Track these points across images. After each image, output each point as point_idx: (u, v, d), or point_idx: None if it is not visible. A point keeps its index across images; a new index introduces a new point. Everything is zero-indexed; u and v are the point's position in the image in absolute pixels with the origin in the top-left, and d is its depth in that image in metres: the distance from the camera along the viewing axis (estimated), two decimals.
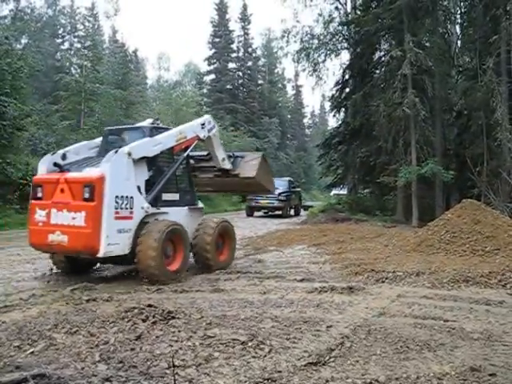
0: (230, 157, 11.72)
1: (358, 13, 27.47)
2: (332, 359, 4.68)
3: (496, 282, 8.30)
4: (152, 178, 9.03)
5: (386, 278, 8.74)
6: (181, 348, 4.84)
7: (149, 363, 4.44)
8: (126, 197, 8.23)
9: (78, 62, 40.99)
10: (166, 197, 9.38)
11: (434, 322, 5.97)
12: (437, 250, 11.25)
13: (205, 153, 11.73)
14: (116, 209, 8.03)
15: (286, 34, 31.12)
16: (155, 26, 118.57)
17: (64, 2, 57.46)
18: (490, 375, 4.29)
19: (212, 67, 57.26)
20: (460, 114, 24.56)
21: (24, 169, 21.94)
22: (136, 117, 30.44)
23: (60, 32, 51.59)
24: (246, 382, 4.09)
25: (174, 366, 4.32)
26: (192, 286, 8.26)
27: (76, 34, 51.92)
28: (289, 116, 72.06)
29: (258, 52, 64.97)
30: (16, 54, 23.92)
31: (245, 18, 58.74)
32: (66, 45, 52.11)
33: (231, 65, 58.18)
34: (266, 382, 4.10)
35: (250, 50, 60.12)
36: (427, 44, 22.81)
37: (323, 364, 4.56)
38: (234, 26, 58.28)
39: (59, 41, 51.19)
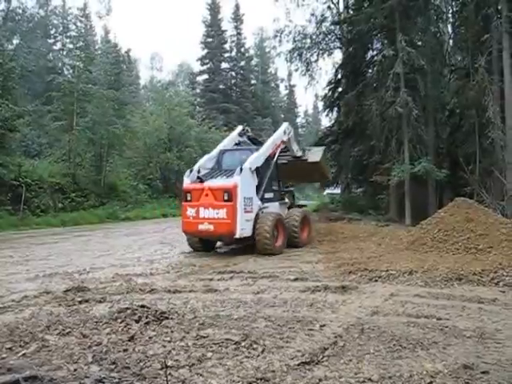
0: (302, 150, 16.18)
1: (351, 12, 27.55)
2: (325, 358, 4.68)
3: (489, 280, 8.32)
4: (259, 182, 12.64)
5: (379, 277, 8.74)
6: (174, 348, 4.83)
7: (142, 364, 4.42)
8: (249, 198, 12.14)
9: (70, 62, 40.91)
10: (266, 195, 13.03)
11: (427, 320, 5.98)
12: (430, 248, 11.28)
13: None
14: (245, 206, 11.93)
15: (279, 34, 31.19)
16: (148, 26, 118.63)
17: (56, 2, 57.50)
18: (483, 373, 4.31)
19: (205, 67, 57.25)
20: (452, 113, 24.66)
21: (16, 170, 21.84)
22: (129, 117, 30.39)
23: (52, 32, 51.42)
24: (239, 381, 4.08)
25: (166, 366, 4.30)
26: (185, 286, 8.24)
27: (68, 34, 51.80)
28: (282, 115, 72.07)
29: (251, 52, 65.11)
30: (7, 55, 23.85)
31: (237, 18, 58.77)
32: (58, 45, 51.97)
33: (224, 65, 58.22)
34: (259, 381, 4.09)
35: (242, 49, 60.16)
36: (419, 43, 22.90)
37: (316, 363, 4.56)
38: (227, 25, 58.37)
39: (51, 41, 51.00)
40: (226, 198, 11.78)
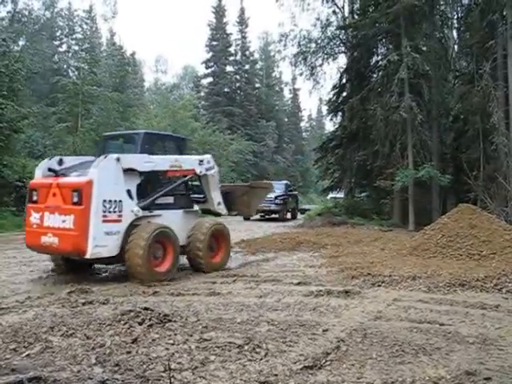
0: (223, 193, 11.60)
1: (356, 17, 27.53)
2: (328, 363, 4.69)
3: (492, 286, 8.31)
4: (144, 181, 9.51)
5: (383, 282, 8.75)
6: (177, 351, 4.84)
7: (145, 366, 4.44)
8: (114, 201, 8.66)
9: (76, 64, 41.00)
10: (160, 200, 9.84)
11: (429, 325, 5.98)
12: (433, 253, 11.27)
13: None
14: (104, 212, 8.47)
15: (284, 38, 31.20)
16: (153, 28, 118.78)
17: (62, 4, 57.63)
18: (486, 379, 4.30)
19: (209, 70, 57.25)
20: (457, 119, 24.63)
21: (20, 171, 21.90)
22: (133, 120, 30.47)
23: (58, 34, 51.53)
24: None
25: (170, 369, 4.32)
26: (188, 289, 8.26)
27: (74, 36, 51.88)
28: (286, 119, 72.05)
29: (256, 55, 65.06)
30: (13, 56, 23.90)
31: (242, 22, 58.79)
32: (64, 47, 52.06)
33: (229, 68, 58.21)
34: None
35: (247, 53, 60.15)
36: (424, 48, 22.88)
37: (319, 368, 4.56)
38: (232, 29, 58.36)
39: (57, 43, 51.11)
40: (75, 199, 8.34)
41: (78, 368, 4.36)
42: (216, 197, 11.14)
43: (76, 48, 49.20)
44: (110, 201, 8.56)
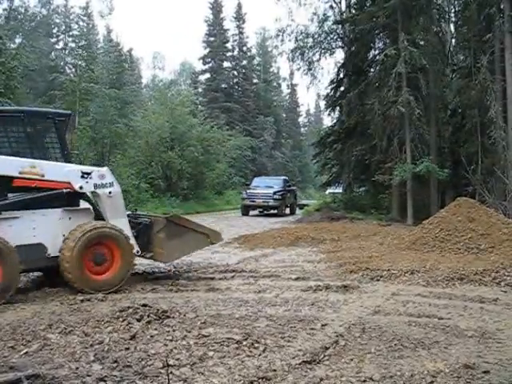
0: (138, 224, 8.94)
1: (353, 11, 27.43)
2: (326, 358, 4.69)
3: (490, 280, 8.33)
4: None
5: (381, 277, 8.76)
6: (175, 347, 4.85)
7: (143, 363, 4.44)
8: None
9: (73, 61, 40.95)
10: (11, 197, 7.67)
11: (428, 319, 5.99)
12: (431, 248, 11.27)
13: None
14: None
15: (281, 33, 31.07)
16: (150, 25, 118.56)
17: (58, 1, 57.42)
18: (484, 372, 4.32)
19: (207, 66, 57.14)
20: (454, 113, 24.60)
21: None
22: (131, 116, 30.40)
23: (54, 31, 51.39)
24: (240, 380, 4.09)
25: (168, 365, 4.32)
26: (187, 285, 8.27)
27: (70, 33, 51.74)
28: (284, 115, 71.99)
29: (253, 51, 64.96)
30: (10, 54, 23.79)
31: (239, 17, 58.66)
32: (61, 44, 51.92)
33: (226, 64, 58.09)
34: (260, 380, 4.10)
35: (244, 48, 60.04)
36: (421, 42, 22.82)
37: (318, 362, 4.57)
38: (229, 24, 58.20)
39: (53, 40, 50.98)
40: None
41: (76, 365, 4.37)
42: (118, 225, 8.18)
43: (73, 45, 49.13)
44: None
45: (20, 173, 7.44)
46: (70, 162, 8.47)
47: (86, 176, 8.06)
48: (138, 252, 8.38)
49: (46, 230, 7.66)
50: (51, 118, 8.34)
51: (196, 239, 8.97)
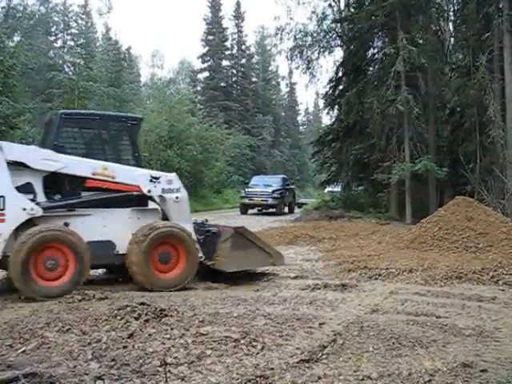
0: (206, 232, 9.04)
1: (352, 10, 27.43)
2: (324, 356, 4.69)
3: (488, 279, 8.34)
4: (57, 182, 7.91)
5: (379, 275, 8.77)
6: (173, 346, 4.84)
7: (141, 361, 4.43)
8: None
9: (71, 59, 40.85)
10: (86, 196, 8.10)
11: (426, 318, 5.99)
12: (430, 246, 11.27)
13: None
14: None
15: (280, 32, 31.00)
16: (148, 23, 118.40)
17: None
18: (482, 371, 4.32)
19: (206, 65, 57.09)
20: (453, 111, 24.61)
21: None
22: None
23: (53, 30, 51.28)
24: (238, 379, 4.09)
25: (166, 363, 4.32)
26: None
27: (69, 31, 51.67)
28: (283, 113, 71.99)
29: (252, 49, 64.88)
30: (8, 52, 23.79)
31: (238, 16, 58.62)
32: (59, 42, 51.81)
33: (225, 62, 58.04)
34: (258, 379, 4.10)
35: (243, 47, 59.99)
36: (420, 41, 22.81)
37: (316, 361, 4.57)
38: (228, 23, 58.16)
39: (52, 38, 50.87)
40: None
41: (74, 363, 4.36)
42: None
43: (71, 43, 49.03)
44: None
45: (93, 174, 7.84)
46: (140, 165, 8.72)
47: (154, 180, 8.32)
48: (201, 258, 8.44)
49: (116, 228, 7.95)
50: (124, 121, 8.82)
51: (258, 256, 8.91)
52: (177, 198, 8.42)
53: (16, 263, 6.94)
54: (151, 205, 8.74)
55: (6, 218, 7.20)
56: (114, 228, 7.95)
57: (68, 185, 7.90)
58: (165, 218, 8.48)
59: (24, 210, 7.31)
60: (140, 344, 4.87)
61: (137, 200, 8.34)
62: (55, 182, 7.80)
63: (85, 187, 7.96)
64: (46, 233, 7.15)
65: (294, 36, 30.13)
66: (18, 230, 7.28)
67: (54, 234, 7.23)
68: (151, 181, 8.29)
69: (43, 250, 7.16)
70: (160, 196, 8.47)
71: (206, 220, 10.08)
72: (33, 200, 7.49)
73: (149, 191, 8.25)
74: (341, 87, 28.15)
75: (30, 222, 7.35)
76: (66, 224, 7.57)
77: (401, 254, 10.81)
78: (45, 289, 7.07)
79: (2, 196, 7.19)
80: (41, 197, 7.61)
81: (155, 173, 8.68)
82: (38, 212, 7.41)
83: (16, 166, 7.44)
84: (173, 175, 8.67)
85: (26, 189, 7.48)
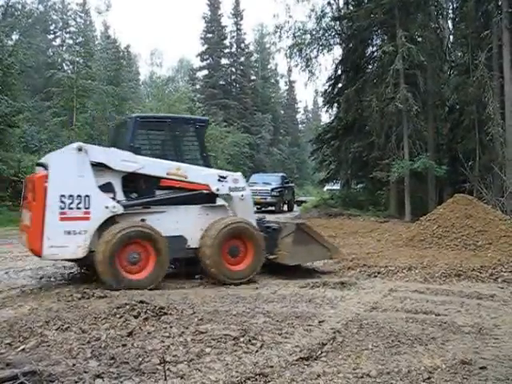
0: (266, 228, 9.47)
1: (351, 8, 27.42)
2: (324, 354, 4.69)
3: (487, 276, 8.35)
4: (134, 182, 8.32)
5: (379, 273, 8.78)
6: (172, 344, 4.84)
7: (140, 359, 4.43)
8: (78, 196, 7.56)
9: (70, 58, 40.74)
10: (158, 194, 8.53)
11: (425, 316, 6.00)
12: (429, 244, 11.29)
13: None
14: (62, 209, 7.44)
15: (279, 30, 30.94)
16: (147, 21, 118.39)
17: None
18: (481, 368, 4.32)
19: (205, 63, 57.11)
20: (452, 109, 24.63)
21: (16, 166, 21.83)
22: (128, 113, 30.31)
23: (51, 28, 51.37)
24: (237, 377, 4.09)
25: (165, 361, 4.32)
26: (184, 281, 8.25)
27: (68, 30, 51.71)
28: (282, 111, 72.04)
29: (251, 48, 64.90)
30: (7, 51, 23.76)
31: (237, 14, 58.63)
32: (58, 41, 51.95)
33: (224, 60, 58.07)
34: (257, 377, 4.10)
35: (242, 45, 60.01)
36: (419, 39, 22.81)
37: (315, 359, 4.57)
38: (227, 21, 58.17)
39: (51, 37, 50.98)
40: (32, 195, 7.66)
41: (73, 362, 4.36)
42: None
43: (70, 42, 49.11)
44: (72, 196, 7.49)
45: (167, 174, 8.33)
46: (208, 164, 9.10)
47: (222, 180, 8.79)
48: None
49: (187, 223, 8.42)
50: (193, 123, 9.28)
51: (318, 250, 9.29)
52: (242, 196, 8.90)
53: (104, 258, 7.35)
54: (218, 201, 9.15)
55: (91, 216, 7.61)
56: (186, 224, 8.40)
57: (144, 184, 8.36)
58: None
59: (107, 208, 7.73)
60: (139, 342, 4.87)
61: (206, 198, 8.74)
62: (132, 182, 8.24)
63: (159, 186, 8.42)
64: (131, 229, 7.62)
65: (293, 34, 30.09)
66: (102, 227, 7.66)
67: (138, 231, 7.70)
68: (219, 180, 8.75)
69: (127, 246, 7.62)
70: (227, 194, 8.92)
71: (264, 217, 10.62)
72: (113, 199, 7.91)
73: (217, 190, 8.72)
74: (340, 85, 28.16)
75: (111, 220, 7.78)
76: (143, 220, 8.06)
77: (400, 252, 10.81)
78: (130, 281, 7.50)
79: (87, 195, 7.59)
80: (120, 195, 8.02)
81: (223, 172, 9.14)
82: (119, 210, 7.83)
83: (98, 167, 7.82)
84: (238, 174, 9.15)
85: (106, 188, 7.90)
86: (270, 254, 8.91)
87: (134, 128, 8.46)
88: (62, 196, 7.41)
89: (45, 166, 7.81)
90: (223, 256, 8.25)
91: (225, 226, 8.26)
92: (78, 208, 7.51)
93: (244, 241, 8.51)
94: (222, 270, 8.15)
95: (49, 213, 7.33)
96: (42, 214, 7.32)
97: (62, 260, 8.23)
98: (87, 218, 7.56)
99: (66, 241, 7.42)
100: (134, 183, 8.31)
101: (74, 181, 7.54)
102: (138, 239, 7.69)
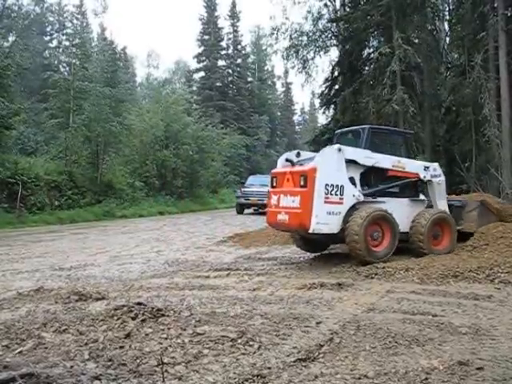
0: (449, 206, 11.48)
1: (347, 10, 27.48)
2: (321, 355, 4.69)
3: (484, 277, 8.34)
4: (367, 176, 10.53)
5: (376, 274, 8.77)
6: (170, 345, 4.83)
7: (138, 361, 4.43)
8: (337, 186, 9.74)
9: (67, 59, 40.77)
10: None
11: (422, 317, 6.00)
12: None
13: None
14: (326, 194, 9.59)
15: (275, 31, 31.04)
16: (144, 23, 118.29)
17: None
18: (478, 369, 4.32)
19: (201, 65, 57.17)
20: (449, 111, 24.69)
21: (13, 168, 21.78)
22: (125, 115, 30.29)
23: (48, 30, 51.34)
24: (235, 378, 4.09)
25: (163, 363, 4.31)
26: (181, 283, 8.25)
27: (64, 31, 51.69)
28: (279, 113, 72.13)
29: (248, 49, 65.04)
30: (3, 52, 23.71)
31: (234, 15, 58.71)
32: (54, 42, 51.93)
33: (221, 62, 58.13)
34: (255, 378, 4.10)
35: (239, 47, 60.12)
36: (416, 41, 22.92)
37: (312, 360, 4.57)
38: (223, 23, 58.32)
39: (47, 38, 50.94)
40: (302, 183, 9.83)
41: (70, 364, 4.34)
42: (441, 206, 11.20)
43: (67, 43, 48.98)
44: (332, 185, 9.67)
45: (392, 166, 10.66)
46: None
47: (426, 169, 11.15)
48: None
49: (399, 212, 10.41)
50: (403, 134, 12.65)
51: (493, 219, 11.81)
52: (439, 181, 11.22)
53: (360, 236, 9.47)
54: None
55: (344, 201, 9.82)
56: (398, 212, 10.34)
57: (372, 178, 10.67)
58: (429, 206, 11.27)
59: (353, 196, 9.98)
60: (137, 344, 4.86)
61: (415, 188, 11.32)
62: (364, 177, 10.39)
63: (384, 177, 10.73)
64: (377, 213, 9.82)
65: (290, 36, 30.19)
66: (348, 211, 9.84)
67: (382, 214, 9.91)
68: (425, 169, 11.12)
69: (372, 225, 9.76)
70: (429, 180, 11.13)
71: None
72: None
73: (424, 177, 11.03)
74: (336, 87, 28.19)
75: (353, 205, 9.95)
76: None
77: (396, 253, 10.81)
78: (375, 253, 9.77)
79: (342, 185, 9.81)
80: (358, 187, 10.20)
81: (426, 163, 11.61)
82: (362, 198, 10.08)
83: (347, 163, 9.96)
84: (435, 165, 11.46)
85: (351, 181, 10.07)
86: (457, 225, 11.11)
87: (367, 135, 10.77)
88: (327, 185, 9.57)
89: (291, 162, 10.65)
90: (430, 238, 10.47)
91: (432, 215, 10.58)
92: (336, 195, 9.71)
93: (443, 227, 10.79)
94: (429, 248, 10.42)
95: (317, 197, 9.49)
96: (312, 198, 9.50)
97: (323, 234, 9.86)
98: (341, 203, 9.77)
99: (328, 219, 9.62)
100: (365, 178, 10.43)
101: (334, 173, 9.75)
102: (379, 221, 9.86)
